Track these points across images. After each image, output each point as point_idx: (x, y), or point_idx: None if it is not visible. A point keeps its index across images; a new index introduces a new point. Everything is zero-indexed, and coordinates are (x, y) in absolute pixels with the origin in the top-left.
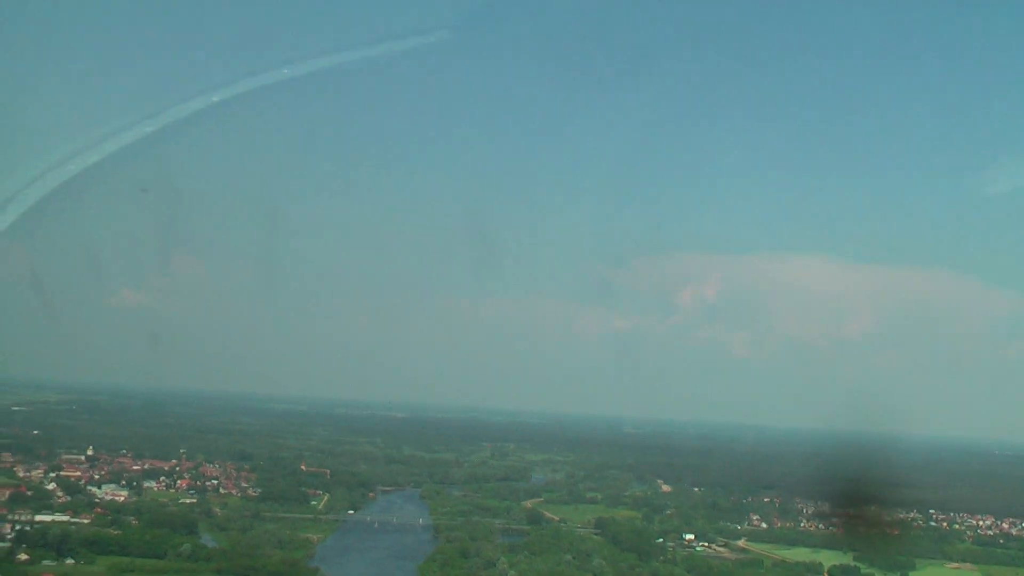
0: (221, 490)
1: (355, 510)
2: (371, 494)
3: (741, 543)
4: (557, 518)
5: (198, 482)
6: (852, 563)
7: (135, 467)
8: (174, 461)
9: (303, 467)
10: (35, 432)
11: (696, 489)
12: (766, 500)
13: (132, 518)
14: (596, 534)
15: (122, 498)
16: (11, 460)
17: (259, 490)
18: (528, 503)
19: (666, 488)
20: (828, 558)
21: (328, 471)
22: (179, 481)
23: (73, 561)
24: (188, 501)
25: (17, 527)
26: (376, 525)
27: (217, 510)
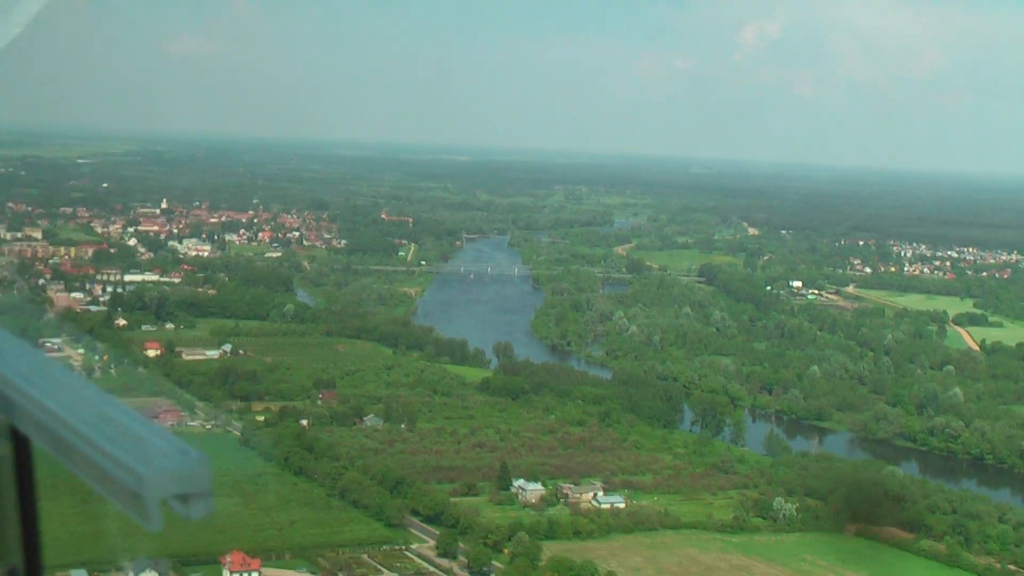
0: (304, 242)
1: (445, 260)
2: (457, 242)
3: (850, 289)
4: (656, 265)
5: (279, 234)
6: (975, 310)
7: (212, 219)
8: (251, 212)
9: (384, 215)
10: (104, 185)
11: (784, 232)
12: (861, 243)
13: (222, 275)
14: (702, 282)
15: (206, 253)
16: (87, 215)
17: (343, 241)
18: (620, 249)
19: (753, 231)
20: (946, 304)
21: (410, 219)
22: (260, 233)
23: (172, 325)
24: (273, 255)
25: (108, 288)
26: (471, 276)
27: (306, 264)
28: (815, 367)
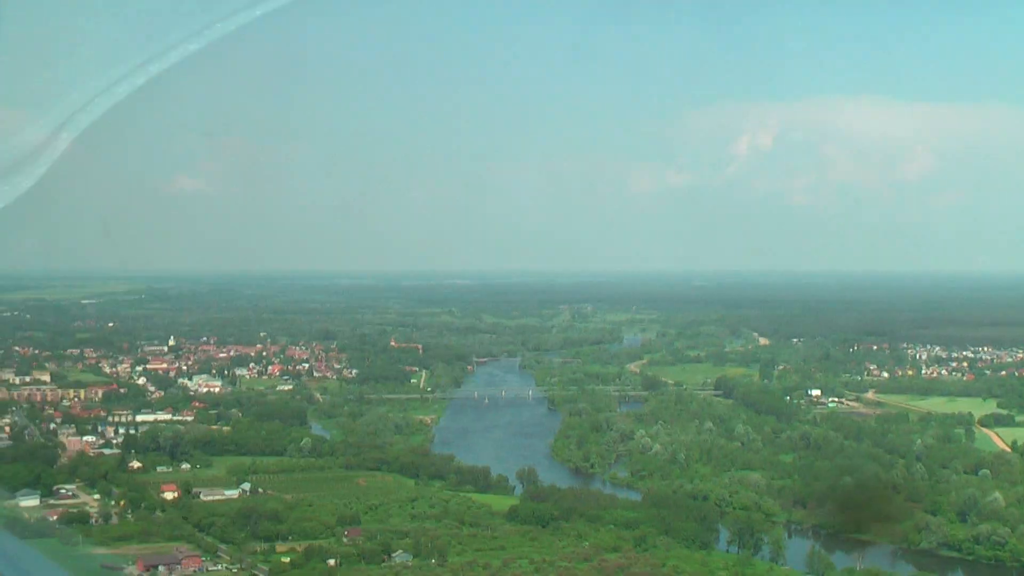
0: (315, 373)
1: (458, 385)
2: (468, 367)
3: (870, 395)
4: (671, 381)
5: (289, 367)
6: (999, 410)
7: (221, 355)
8: (259, 346)
9: (393, 343)
10: (110, 324)
11: (795, 340)
12: (874, 348)
13: (235, 411)
14: (719, 396)
15: (217, 389)
16: (94, 356)
17: (354, 371)
18: (634, 366)
19: (763, 341)
20: (968, 406)
21: (419, 346)
22: (270, 367)
23: (188, 465)
24: (285, 388)
25: (120, 430)
26: (485, 401)
27: (318, 396)
28: (847, 478)
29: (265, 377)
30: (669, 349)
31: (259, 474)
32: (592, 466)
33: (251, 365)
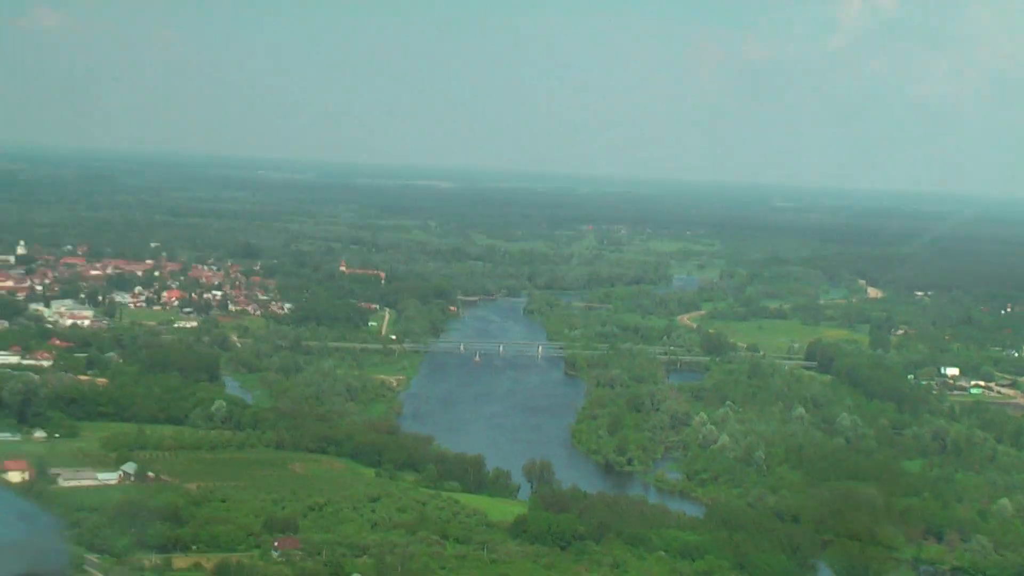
0: (231, 306)
1: (436, 334)
2: (451, 307)
3: None
4: (743, 344)
5: (193, 294)
6: None
7: (93, 271)
8: (149, 261)
9: (343, 268)
10: None
11: (920, 294)
12: None
13: (114, 355)
14: (812, 368)
15: (87, 321)
16: None
17: (287, 305)
18: (687, 319)
19: (874, 292)
20: None
21: (381, 273)
22: (164, 293)
23: (43, 433)
24: (186, 325)
25: None
26: (476, 358)
27: (235, 339)
28: (1004, 500)
29: (158, 308)
30: (738, 297)
31: (149, 450)
32: (630, 461)
33: (137, 289)
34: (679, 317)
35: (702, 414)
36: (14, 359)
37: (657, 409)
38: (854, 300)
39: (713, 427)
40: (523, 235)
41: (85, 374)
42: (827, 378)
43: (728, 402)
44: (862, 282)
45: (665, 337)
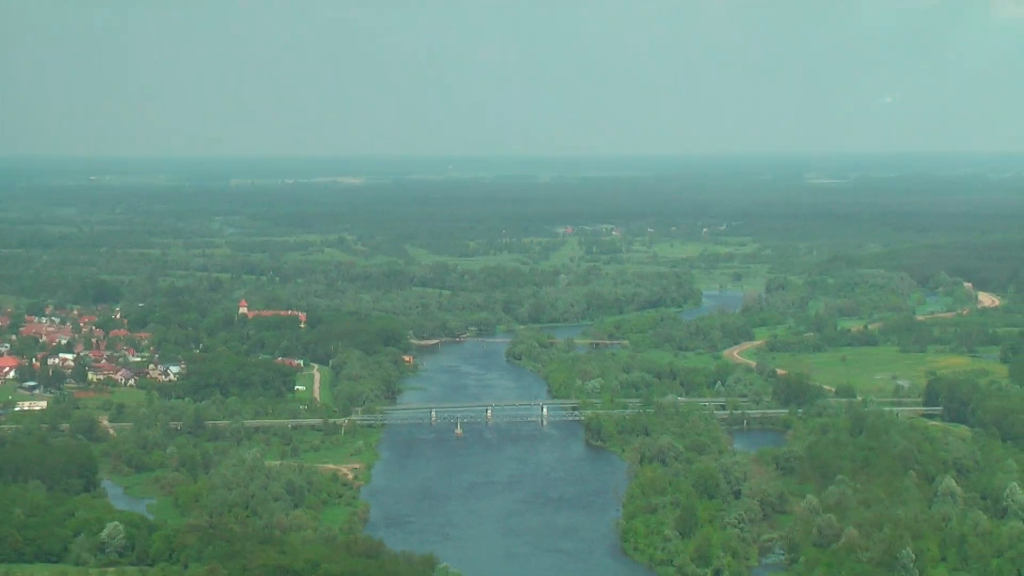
0: (92, 375)
1: (391, 395)
2: (406, 357)
3: None
4: (830, 387)
5: (35, 360)
6: None
7: None
8: None
9: (243, 309)
10: None
11: None
12: None
13: None
14: (936, 415)
15: None
16: None
17: (173, 368)
18: (736, 352)
19: (987, 299)
20: None
21: (300, 314)
22: None
23: None
24: (32, 406)
25: None
26: (457, 429)
27: (106, 424)
28: None
29: None
30: (801, 317)
31: None
32: (718, 573)
33: None
34: (726, 352)
35: (810, 497)
36: None
37: (738, 492)
38: (964, 312)
39: (831, 516)
40: (479, 246)
41: None
42: (964, 430)
43: (838, 476)
44: (968, 285)
45: (719, 384)
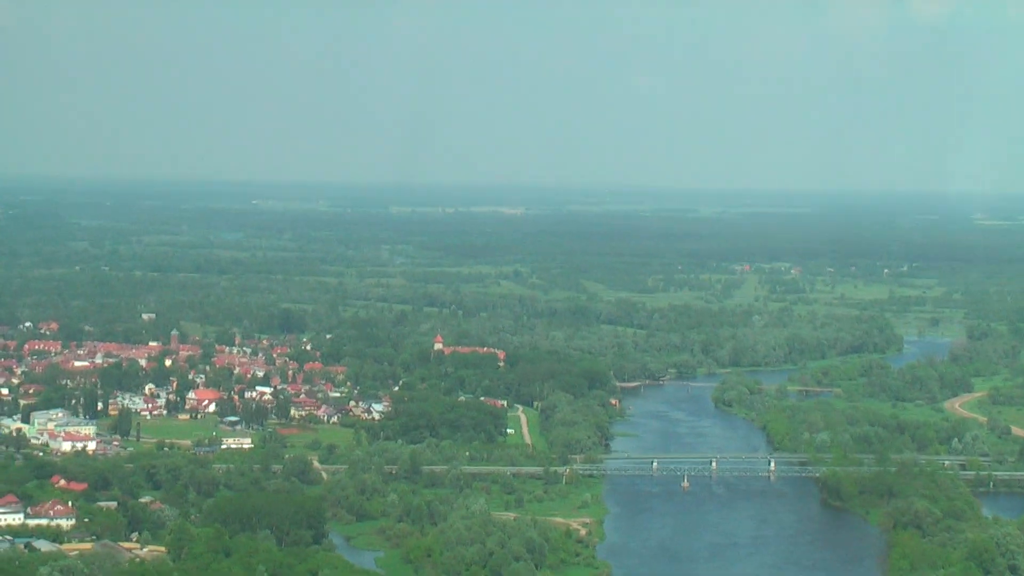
0: (294, 411)
1: (605, 442)
2: (613, 401)
3: None
4: None
5: (234, 394)
6: None
7: (78, 362)
8: (154, 344)
9: (439, 345)
10: None
11: None
12: None
13: (162, 505)
14: None
15: (92, 443)
16: None
17: (376, 406)
18: (958, 404)
19: None
20: None
21: (500, 352)
22: (190, 392)
23: None
24: (239, 443)
25: None
26: (685, 483)
27: (318, 465)
28: None
29: (184, 416)
30: (1013, 366)
31: None
32: None
33: (148, 388)
34: (947, 403)
35: None
36: (16, 518)
37: (1014, 567)
38: None
39: None
40: (658, 283)
41: (128, 540)
42: None
43: None
44: None
45: (955, 440)
